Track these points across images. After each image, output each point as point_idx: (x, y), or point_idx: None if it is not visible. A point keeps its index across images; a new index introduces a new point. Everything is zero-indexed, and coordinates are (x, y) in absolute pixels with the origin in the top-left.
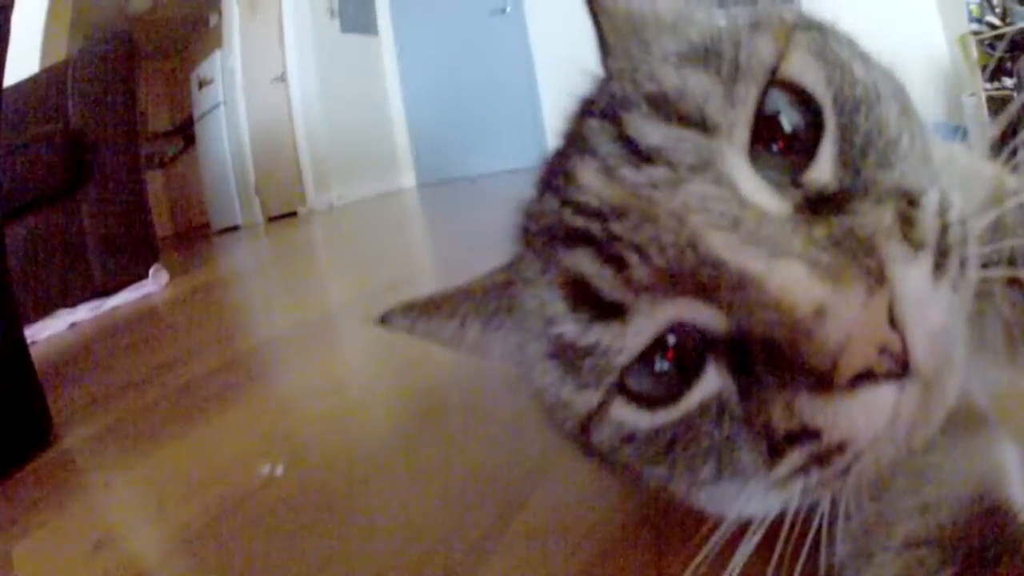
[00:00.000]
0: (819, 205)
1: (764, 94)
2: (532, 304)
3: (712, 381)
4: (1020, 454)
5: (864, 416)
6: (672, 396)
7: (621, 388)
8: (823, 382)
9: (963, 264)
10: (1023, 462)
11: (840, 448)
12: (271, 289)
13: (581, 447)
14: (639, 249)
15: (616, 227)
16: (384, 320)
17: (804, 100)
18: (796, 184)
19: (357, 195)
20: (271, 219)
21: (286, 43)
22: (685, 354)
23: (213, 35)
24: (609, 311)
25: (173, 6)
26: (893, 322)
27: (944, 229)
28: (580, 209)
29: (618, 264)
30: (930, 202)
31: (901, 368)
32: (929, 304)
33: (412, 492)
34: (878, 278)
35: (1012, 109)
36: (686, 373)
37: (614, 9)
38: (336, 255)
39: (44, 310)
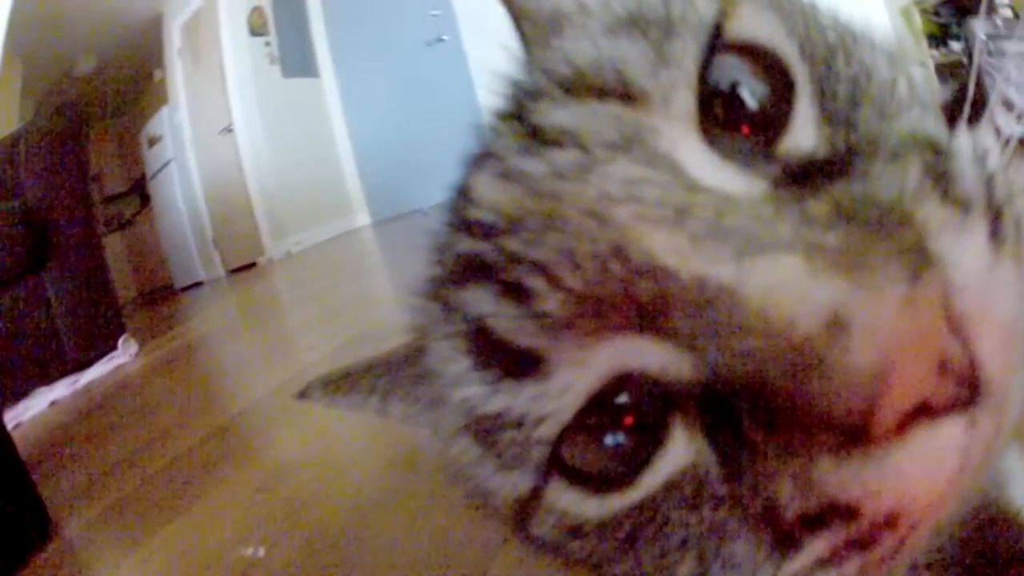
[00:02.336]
0: (809, 176)
1: (710, 57)
2: (439, 367)
3: (680, 451)
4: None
5: (923, 472)
6: (627, 475)
7: (558, 466)
8: (856, 435)
9: (1019, 226)
10: None
11: (890, 523)
12: (241, 351)
13: (525, 542)
14: (544, 270)
15: (512, 243)
16: (303, 395)
17: (767, 63)
18: (770, 159)
19: (314, 240)
20: (232, 271)
21: (230, 94)
22: (641, 415)
23: (159, 91)
24: (521, 364)
25: (118, 64)
26: (951, 323)
27: (989, 181)
28: (472, 230)
29: (520, 296)
30: (963, 148)
31: (969, 391)
32: (995, 288)
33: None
34: (920, 258)
35: (968, 84)
36: (644, 441)
37: (535, 8)
38: (300, 308)
39: (23, 391)
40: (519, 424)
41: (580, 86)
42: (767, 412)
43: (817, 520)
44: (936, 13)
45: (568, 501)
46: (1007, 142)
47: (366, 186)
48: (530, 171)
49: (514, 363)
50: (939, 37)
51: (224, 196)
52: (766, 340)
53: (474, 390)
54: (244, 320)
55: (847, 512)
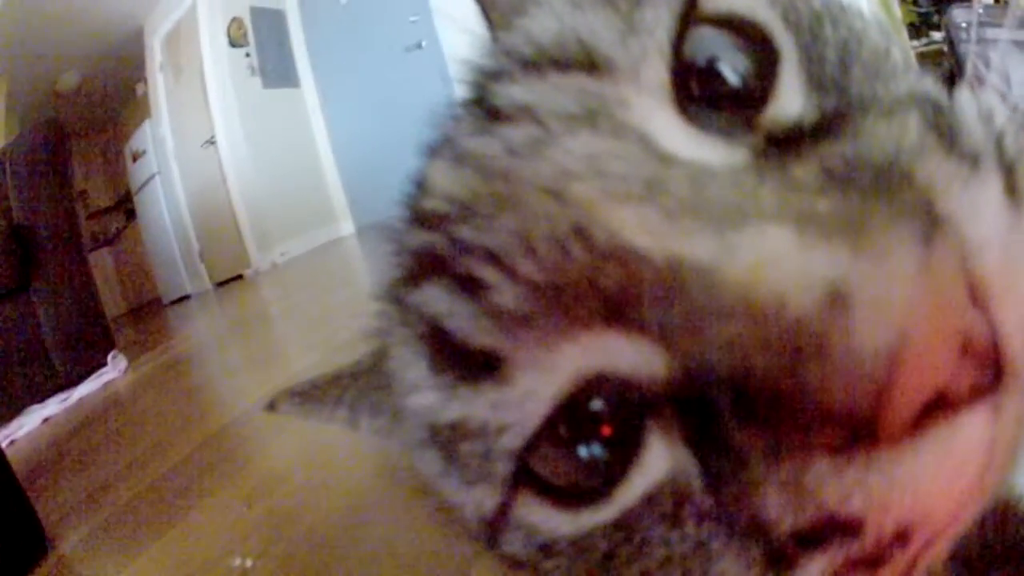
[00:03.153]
0: (794, 142)
1: (684, 27)
2: (398, 373)
3: (658, 461)
4: None
5: (940, 477)
6: (601, 489)
7: (527, 478)
8: (860, 434)
9: None
10: None
11: (900, 539)
12: (229, 363)
13: (499, 560)
14: (496, 258)
15: (463, 231)
16: (271, 407)
17: (748, 33)
18: (752, 129)
19: (299, 250)
20: (219, 284)
21: (211, 106)
22: (616, 424)
23: (142, 105)
24: (477, 368)
25: (101, 79)
26: (971, 292)
27: (999, 137)
28: (425, 222)
29: (472, 289)
30: (966, 103)
31: (992, 375)
32: (1019, 250)
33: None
34: (929, 219)
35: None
36: (619, 452)
37: None
38: (288, 318)
39: (16, 409)
40: (479, 435)
41: (541, 61)
42: (752, 409)
43: (813, 537)
44: (915, 2)
45: (538, 517)
46: (1014, 108)
47: (348, 194)
48: (482, 151)
49: (470, 366)
50: (919, 26)
51: (209, 209)
52: (752, 324)
53: (431, 397)
54: (232, 332)
55: (848, 527)
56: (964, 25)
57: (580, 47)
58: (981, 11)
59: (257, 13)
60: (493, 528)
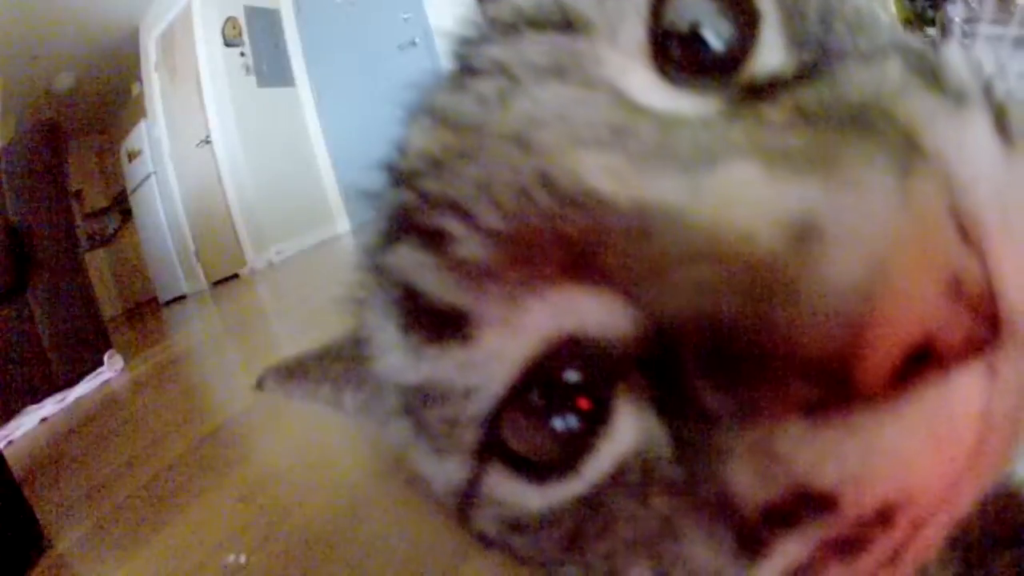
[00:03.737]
0: (771, 89)
1: None
2: (371, 338)
3: (627, 430)
4: None
5: (927, 448)
6: (570, 461)
7: (497, 450)
8: (836, 389)
9: None
10: None
11: (883, 520)
12: (226, 362)
13: (470, 537)
14: (460, 208)
15: (431, 184)
16: (259, 385)
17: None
18: (731, 85)
19: (295, 248)
20: (215, 283)
21: (207, 105)
22: (585, 391)
23: (137, 105)
24: (443, 326)
25: (97, 80)
26: (964, 232)
27: (988, 81)
28: (399, 181)
29: (438, 242)
30: (952, 51)
31: (988, 327)
32: (1013, 189)
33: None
34: (910, 150)
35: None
36: (589, 421)
37: None
38: (284, 316)
39: (13, 410)
40: (446, 399)
41: (519, 23)
42: (719, 364)
43: (785, 514)
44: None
45: (508, 491)
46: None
47: (344, 192)
48: (453, 105)
49: (437, 325)
50: (914, 23)
51: (204, 208)
52: (718, 265)
53: (399, 359)
54: (228, 331)
55: (822, 503)
56: (959, 21)
57: (558, 8)
58: (975, 7)
59: (252, 12)
60: (464, 502)
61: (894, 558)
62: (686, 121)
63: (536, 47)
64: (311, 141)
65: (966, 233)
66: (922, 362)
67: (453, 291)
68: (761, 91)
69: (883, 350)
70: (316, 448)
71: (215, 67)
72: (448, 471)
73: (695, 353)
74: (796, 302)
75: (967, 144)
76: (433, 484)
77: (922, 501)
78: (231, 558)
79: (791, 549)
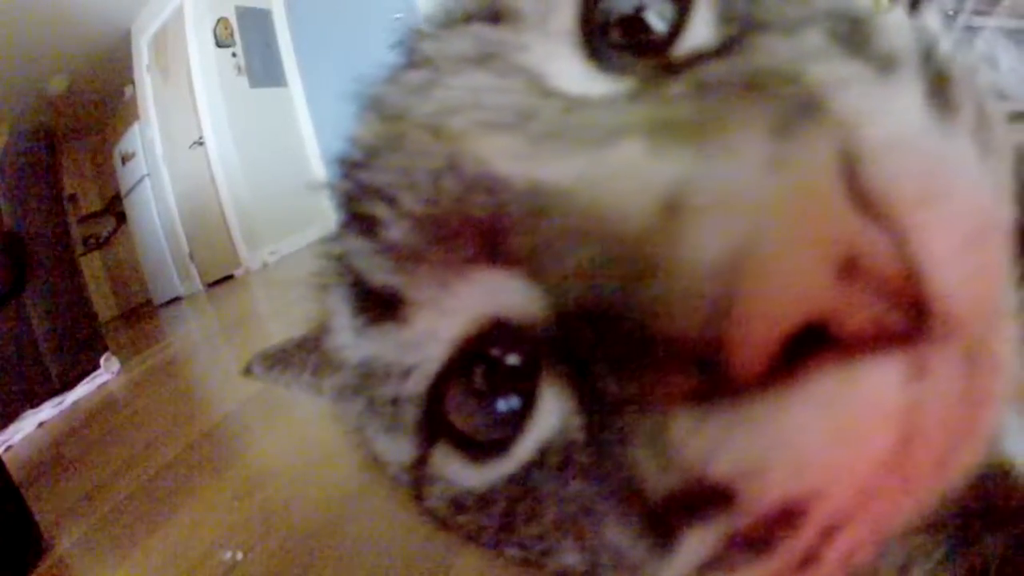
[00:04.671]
0: (696, 62)
1: None
2: (332, 322)
3: (550, 413)
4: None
5: (832, 441)
6: (502, 441)
7: (445, 428)
8: (711, 379)
9: (981, 110)
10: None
11: (787, 518)
12: (221, 362)
13: (423, 516)
14: (385, 194)
15: (365, 174)
16: (247, 371)
17: None
18: (658, 65)
19: (289, 249)
20: (210, 285)
21: (199, 107)
22: (512, 372)
23: (130, 108)
24: (380, 307)
25: (89, 83)
26: (861, 199)
27: (929, 48)
28: (346, 170)
29: (370, 226)
30: (893, 17)
31: (910, 317)
32: (945, 162)
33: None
34: (800, 111)
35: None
36: (519, 402)
37: None
38: (279, 316)
39: (11, 415)
40: (388, 377)
41: (455, 17)
42: (612, 348)
43: (687, 505)
44: None
45: (451, 469)
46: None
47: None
48: (384, 96)
49: (377, 306)
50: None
51: (198, 210)
52: (601, 246)
53: (348, 339)
54: (224, 332)
55: (720, 496)
56: (951, 13)
57: (490, 1)
58: None
59: (243, 13)
60: (415, 480)
61: (809, 560)
62: (592, 102)
63: (462, 39)
64: (304, 141)
65: (871, 206)
66: (813, 345)
67: (388, 274)
68: (676, 68)
69: (755, 331)
70: (311, 446)
71: (207, 68)
72: (398, 449)
73: (591, 337)
74: (663, 282)
75: (888, 111)
76: (388, 462)
77: (833, 502)
78: (228, 555)
79: (696, 540)
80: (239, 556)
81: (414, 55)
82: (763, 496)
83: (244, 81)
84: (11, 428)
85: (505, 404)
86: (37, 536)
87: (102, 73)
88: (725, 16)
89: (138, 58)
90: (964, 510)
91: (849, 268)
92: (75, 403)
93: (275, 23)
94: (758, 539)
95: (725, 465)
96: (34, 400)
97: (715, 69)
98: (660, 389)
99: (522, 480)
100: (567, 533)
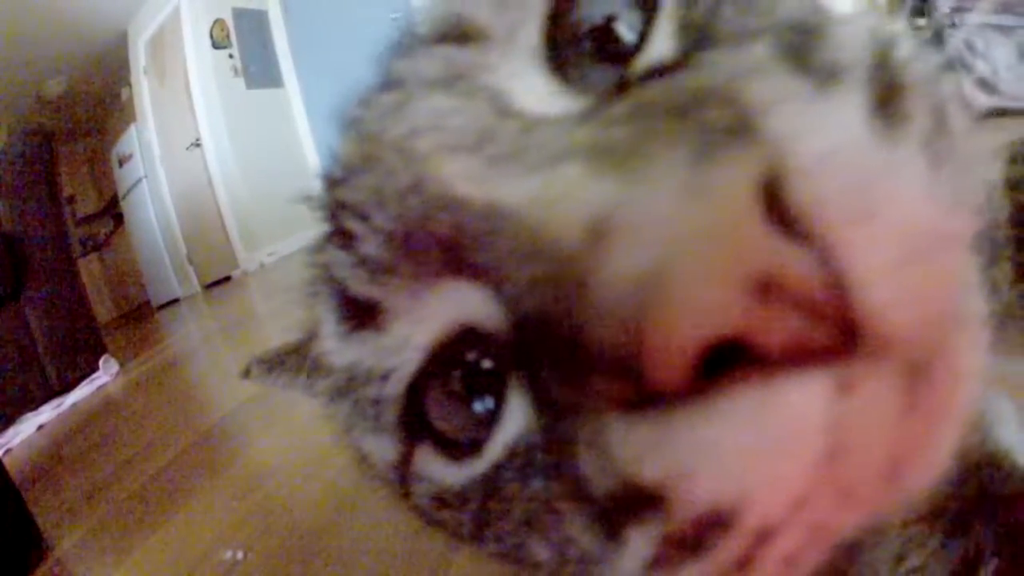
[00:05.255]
0: (646, 80)
1: None
2: (321, 329)
3: (516, 415)
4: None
5: (757, 451)
6: (476, 441)
7: (425, 430)
8: (636, 389)
9: (940, 119)
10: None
11: (717, 522)
12: (219, 363)
13: (411, 513)
14: (359, 212)
15: (342, 191)
16: (246, 374)
17: None
18: (623, 79)
19: (287, 250)
20: (208, 286)
21: (196, 108)
22: (482, 376)
23: (127, 110)
24: (360, 315)
25: (86, 85)
26: (787, 223)
27: (884, 55)
28: (328, 186)
29: (348, 241)
30: (845, 28)
31: (836, 335)
32: (884, 176)
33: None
34: (722, 137)
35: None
36: (489, 405)
37: None
38: (277, 317)
39: (11, 418)
40: (369, 380)
41: (428, 37)
42: (555, 358)
43: (626, 505)
44: None
45: (433, 468)
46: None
47: None
48: (361, 117)
49: (358, 314)
50: (908, 12)
51: (195, 211)
52: (543, 264)
53: (332, 344)
54: (222, 333)
55: (651, 498)
56: (948, 11)
57: (457, 21)
58: None
59: (240, 14)
60: (402, 478)
61: (746, 563)
62: (547, 123)
63: (431, 62)
64: (301, 142)
65: (795, 226)
66: (736, 361)
67: (366, 285)
68: (630, 86)
69: (667, 347)
70: (310, 445)
71: (204, 70)
72: (384, 448)
73: (540, 346)
74: (588, 298)
75: (822, 128)
76: (375, 461)
77: (761, 508)
78: (228, 554)
79: (638, 539)
80: (239, 555)
81: (388, 77)
82: (691, 501)
83: (241, 82)
84: (10, 431)
85: (481, 405)
86: (37, 538)
87: (99, 75)
88: (684, 26)
89: (135, 60)
90: (959, 499)
91: (765, 288)
92: (74, 405)
93: (271, 24)
94: (692, 541)
95: (654, 470)
96: (33, 403)
97: (656, 91)
98: (596, 396)
99: (493, 479)
100: (534, 529)
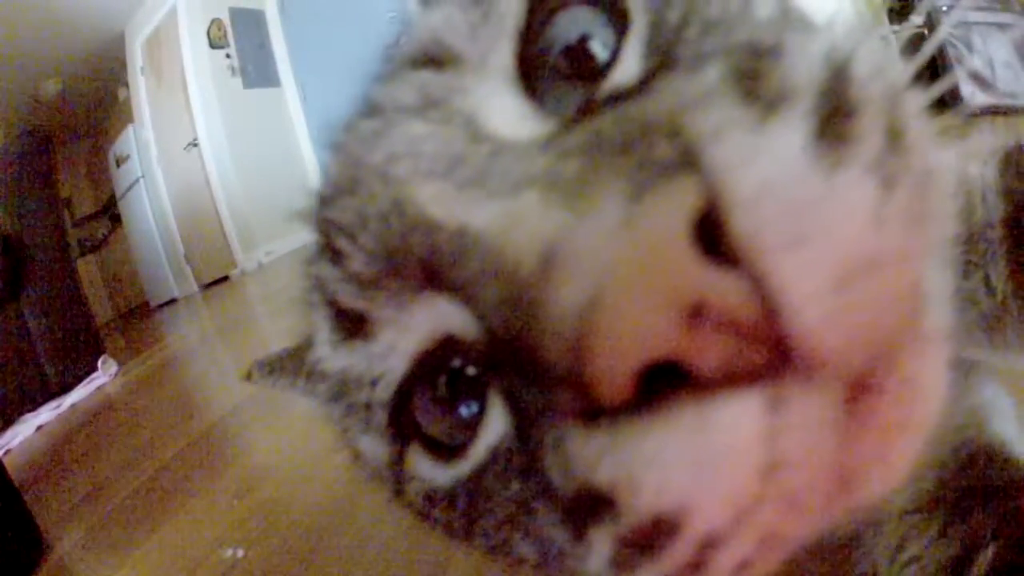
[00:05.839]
0: (606, 105)
1: (549, 12)
2: (315, 336)
3: (496, 420)
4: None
5: (692, 463)
6: (462, 444)
7: (415, 432)
8: (587, 402)
9: (896, 137)
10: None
11: (664, 527)
12: (218, 363)
13: (406, 510)
14: (346, 231)
15: (330, 211)
16: (248, 377)
17: (609, 5)
18: (591, 99)
19: (284, 249)
20: (205, 286)
21: (193, 108)
22: (465, 382)
23: (124, 110)
24: (350, 325)
25: (83, 86)
26: (721, 252)
27: (838, 76)
28: (319, 204)
29: (337, 257)
30: (801, 49)
31: (769, 356)
32: (820, 203)
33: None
34: (660, 172)
35: (926, 51)
36: (473, 409)
37: None
38: (275, 317)
39: (10, 419)
40: (360, 385)
41: (407, 61)
42: (523, 369)
43: (586, 506)
44: None
45: (424, 468)
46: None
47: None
48: (345, 141)
49: (349, 324)
50: (899, 11)
51: (193, 211)
52: (505, 286)
53: (325, 351)
54: (220, 332)
55: (604, 501)
56: (945, 9)
57: (435, 45)
58: None
59: (236, 13)
60: (395, 476)
61: (696, 568)
62: (513, 148)
63: (407, 88)
64: (298, 141)
65: (728, 254)
66: (676, 380)
67: (355, 298)
68: (591, 112)
69: (606, 367)
70: (310, 443)
71: (201, 70)
72: (376, 449)
73: (508, 358)
74: (541, 320)
75: (761, 158)
76: (370, 461)
77: (705, 516)
78: (229, 552)
79: (600, 537)
80: (240, 553)
81: (369, 103)
82: (638, 506)
83: (238, 82)
84: (10, 432)
85: (466, 410)
86: (38, 538)
87: (96, 76)
88: (651, 48)
89: (132, 60)
90: (957, 490)
91: (697, 315)
92: (73, 406)
93: (268, 24)
94: (644, 543)
95: (604, 476)
96: (32, 403)
97: (609, 122)
98: (556, 407)
99: (478, 479)
100: (516, 527)
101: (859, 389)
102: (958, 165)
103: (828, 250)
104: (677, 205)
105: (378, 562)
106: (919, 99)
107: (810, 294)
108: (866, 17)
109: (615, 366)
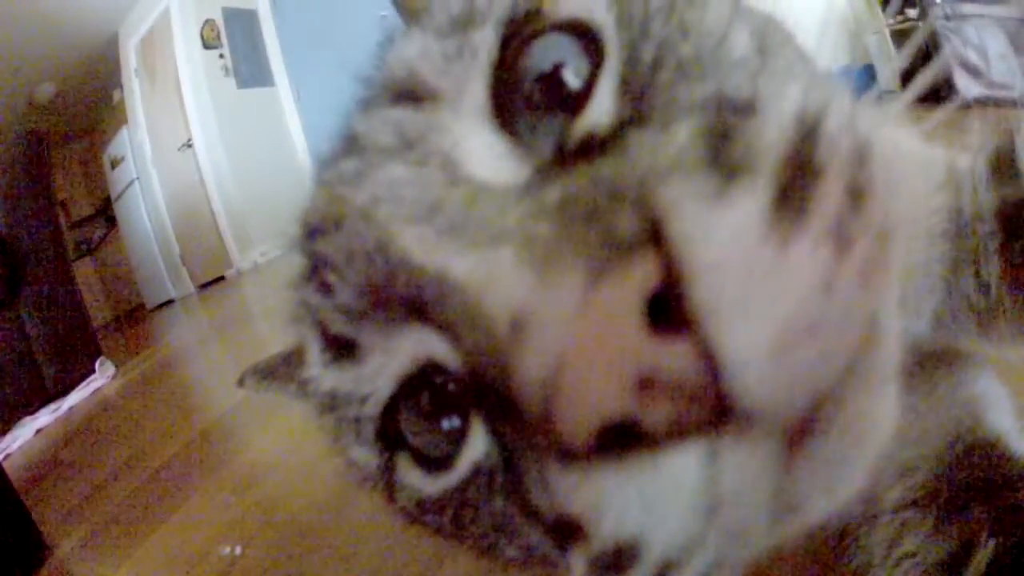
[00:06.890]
0: (580, 156)
1: (521, 42)
2: (306, 353)
3: (479, 439)
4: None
5: (645, 506)
6: (448, 458)
7: (403, 443)
8: (559, 445)
9: (858, 196)
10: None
11: (625, 554)
12: (214, 363)
13: (397, 514)
14: (335, 266)
15: (317, 244)
16: (241, 383)
17: (585, 36)
18: (565, 139)
19: (280, 249)
20: (202, 287)
21: (187, 109)
22: (448, 401)
23: (118, 112)
24: (341, 350)
25: (77, 88)
26: (671, 324)
27: (806, 137)
28: (306, 232)
29: (326, 289)
30: (775, 104)
31: (709, 412)
32: (768, 274)
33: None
34: (639, 242)
35: (917, 39)
36: (456, 427)
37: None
38: (271, 316)
39: (9, 422)
40: (349, 402)
41: (385, 93)
42: (503, 406)
43: (565, 530)
44: None
45: (412, 477)
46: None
47: None
48: (328, 178)
49: (338, 348)
50: (894, 2)
51: (188, 212)
52: (482, 336)
53: (316, 371)
54: (216, 333)
55: (576, 529)
56: (939, 1)
57: (412, 80)
58: None
59: (230, 14)
60: (387, 484)
61: None
62: (488, 194)
63: (385, 128)
64: (293, 141)
65: (678, 326)
66: (630, 436)
67: (343, 326)
68: (573, 158)
69: (570, 426)
70: (306, 442)
71: (195, 70)
72: (365, 457)
73: (487, 393)
74: (514, 375)
75: (716, 232)
76: (362, 468)
77: (659, 546)
78: (227, 550)
79: (577, 557)
80: (238, 551)
81: (350, 137)
82: (603, 534)
83: (232, 82)
84: (9, 436)
85: (448, 423)
86: (38, 540)
87: (90, 78)
88: (624, 88)
89: (126, 62)
90: (952, 485)
91: (646, 382)
92: (71, 408)
93: (261, 23)
94: (612, 564)
95: (575, 507)
96: (31, 407)
97: (582, 180)
98: (534, 444)
99: (463, 491)
100: (504, 534)
101: (802, 431)
102: (949, 158)
103: (771, 319)
104: (632, 288)
105: (374, 558)
106: (886, 142)
107: (749, 359)
108: (860, 10)
109: (577, 425)
